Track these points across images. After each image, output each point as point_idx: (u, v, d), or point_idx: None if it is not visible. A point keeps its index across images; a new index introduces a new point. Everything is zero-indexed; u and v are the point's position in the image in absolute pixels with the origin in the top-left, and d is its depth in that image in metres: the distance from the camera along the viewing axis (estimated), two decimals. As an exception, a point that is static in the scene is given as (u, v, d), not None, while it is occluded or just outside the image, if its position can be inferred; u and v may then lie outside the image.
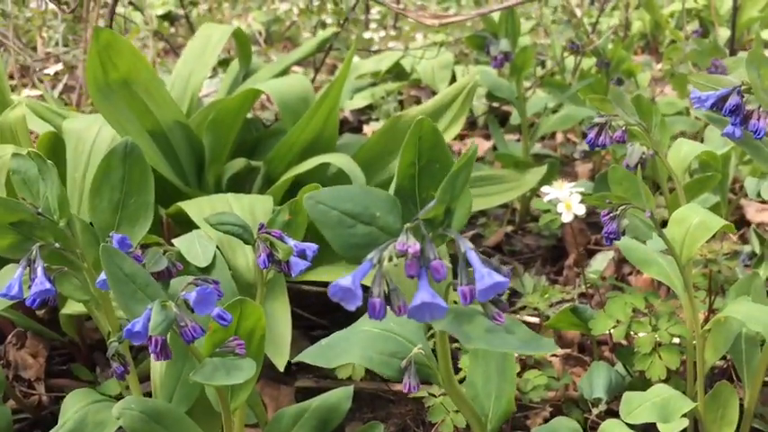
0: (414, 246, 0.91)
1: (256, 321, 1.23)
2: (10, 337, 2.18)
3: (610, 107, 1.54)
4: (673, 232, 1.44)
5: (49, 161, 1.30)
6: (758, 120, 1.30)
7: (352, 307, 0.90)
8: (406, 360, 1.14)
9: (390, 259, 0.92)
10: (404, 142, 1.00)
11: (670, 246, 1.42)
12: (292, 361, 2.22)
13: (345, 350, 1.15)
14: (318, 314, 2.39)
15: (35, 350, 2.20)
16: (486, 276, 0.89)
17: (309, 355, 1.18)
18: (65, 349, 2.29)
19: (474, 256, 0.92)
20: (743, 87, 1.31)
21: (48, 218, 1.29)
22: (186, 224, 1.96)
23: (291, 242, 1.36)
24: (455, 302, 1.03)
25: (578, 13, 3.73)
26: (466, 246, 0.93)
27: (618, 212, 1.35)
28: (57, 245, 1.30)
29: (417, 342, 1.16)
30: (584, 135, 3.33)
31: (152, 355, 1.07)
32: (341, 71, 2.18)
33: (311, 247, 1.38)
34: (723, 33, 4.27)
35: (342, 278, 0.89)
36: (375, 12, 5.34)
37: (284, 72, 2.58)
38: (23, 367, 2.16)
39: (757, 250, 2.08)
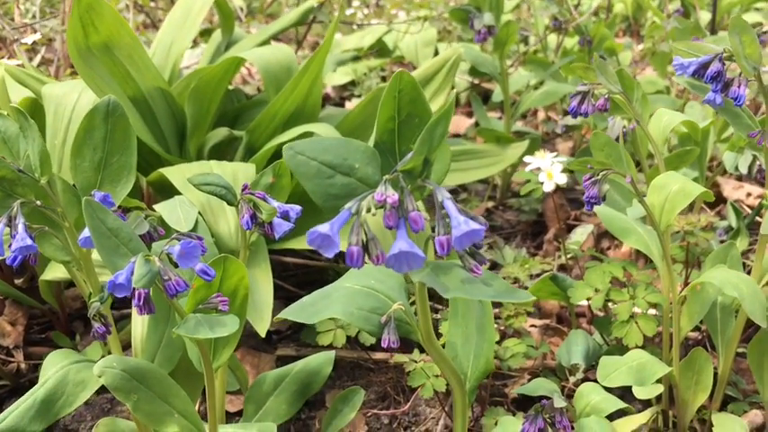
0: (392, 196, 0.92)
1: (240, 280, 1.24)
2: (-12, 304, 2.17)
3: (593, 76, 1.55)
4: (652, 199, 1.45)
5: (30, 118, 1.29)
6: (739, 87, 1.31)
7: (329, 254, 0.90)
8: (385, 315, 1.15)
9: (369, 210, 0.93)
10: (383, 96, 1.00)
11: (649, 212, 1.44)
12: (272, 330, 2.23)
13: (326, 306, 1.16)
14: (299, 286, 2.40)
15: (14, 318, 2.19)
16: (463, 224, 0.90)
17: (291, 312, 1.19)
18: (44, 318, 2.28)
19: (451, 205, 0.92)
20: (724, 54, 1.33)
21: (29, 175, 1.28)
22: (167, 193, 1.95)
23: (275, 203, 1.36)
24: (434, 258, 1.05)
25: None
26: (443, 195, 0.93)
27: (599, 177, 1.37)
28: (38, 202, 1.29)
29: (398, 298, 1.17)
30: (566, 112, 3.36)
31: (135, 309, 1.07)
32: (325, 40, 2.17)
33: (295, 209, 1.38)
34: (704, 17, 4.30)
35: (320, 225, 0.89)
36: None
37: (267, 42, 2.57)
38: (1, 335, 2.14)
39: (734, 224, 2.11)
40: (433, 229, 0.96)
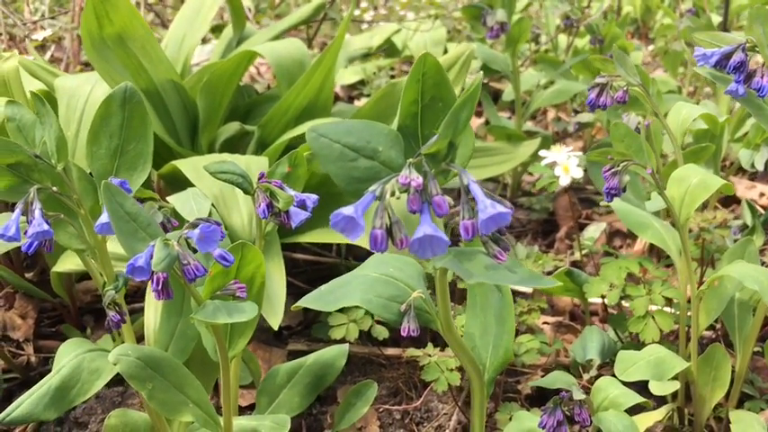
0: (416, 179, 0.90)
1: (257, 267, 1.23)
2: (-2, 297, 2.16)
3: (612, 67, 1.54)
4: (672, 192, 1.44)
5: (47, 104, 1.28)
6: (762, 77, 1.30)
7: (354, 237, 0.89)
8: (405, 304, 1.13)
9: (393, 193, 0.92)
10: (407, 80, 0.99)
11: (669, 204, 1.42)
12: (282, 325, 2.22)
13: (345, 294, 1.14)
14: (309, 282, 2.38)
15: (24, 311, 2.18)
16: (490, 207, 0.89)
17: (309, 301, 1.18)
18: (54, 311, 2.27)
19: (477, 189, 0.91)
20: (747, 45, 1.32)
21: (45, 161, 1.27)
22: (178, 186, 1.94)
23: (291, 192, 1.35)
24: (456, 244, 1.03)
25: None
26: (469, 178, 0.92)
27: (620, 168, 1.36)
28: (54, 189, 1.28)
29: (417, 287, 1.16)
30: (577, 111, 3.34)
31: (152, 294, 1.06)
32: (338, 34, 2.17)
33: (311, 198, 1.37)
34: (714, 19, 4.30)
35: (344, 207, 0.88)
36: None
37: (279, 37, 2.56)
38: (12, 328, 2.14)
39: (749, 222, 2.09)
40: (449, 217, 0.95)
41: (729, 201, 2.77)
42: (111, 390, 1.94)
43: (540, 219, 2.84)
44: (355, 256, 2.44)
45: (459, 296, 2.04)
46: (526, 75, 3.29)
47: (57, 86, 2.01)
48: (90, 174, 1.39)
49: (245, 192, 1.36)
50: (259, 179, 1.37)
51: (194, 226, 1.09)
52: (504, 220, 0.89)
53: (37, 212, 1.21)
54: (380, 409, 1.88)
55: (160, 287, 1.04)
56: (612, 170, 1.36)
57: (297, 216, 1.35)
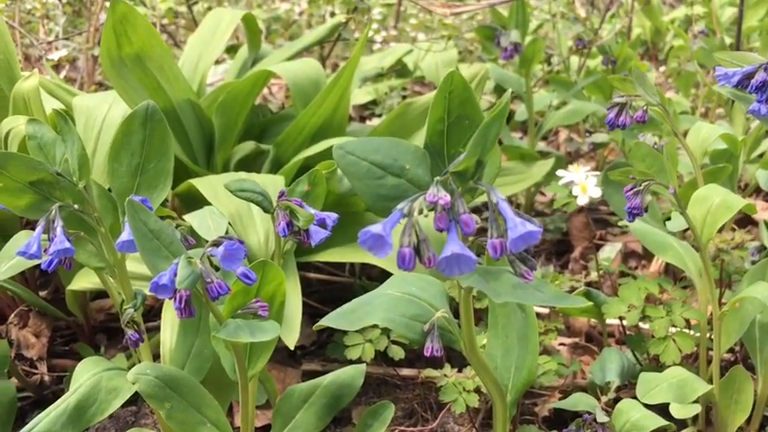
0: (444, 197, 0.90)
1: (278, 286, 1.22)
2: (12, 316, 2.16)
3: (630, 87, 1.53)
4: (694, 211, 1.43)
5: (70, 122, 1.28)
6: (783, 97, 1.30)
7: (382, 255, 0.88)
8: (428, 323, 1.12)
9: (420, 211, 0.91)
10: (434, 97, 0.99)
11: (691, 224, 1.41)
12: (297, 345, 2.21)
13: (368, 313, 1.13)
14: (322, 302, 2.37)
15: (38, 330, 2.17)
16: (520, 225, 0.88)
17: (331, 319, 1.17)
18: (68, 330, 2.27)
19: (506, 207, 0.91)
20: (769, 64, 1.31)
21: (67, 178, 1.27)
22: (194, 205, 1.94)
23: (312, 210, 1.35)
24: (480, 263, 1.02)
25: (582, 13, 3.74)
26: (498, 196, 0.92)
27: (641, 188, 1.35)
28: (75, 206, 1.28)
29: (440, 307, 1.15)
30: (589, 132, 3.34)
31: (176, 312, 1.05)
32: (354, 53, 2.17)
33: (331, 217, 1.36)
34: (726, 41, 4.30)
35: (372, 225, 0.87)
36: (376, 12, 5.33)
37: (294, 58, 2.57)
38: (26, 346, 2.13)
39: (767, 243, 2.08)
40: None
41: (745, 222, 2.75)
42: (124, 409, 1.92)
43: (553, 239, 2.82)
44: (368, 276, 2.43)
45: (475, 316, 2.02)
46: (538, 95, 3.30)
47: (74, 105, 2.02)
48: (110, 191, 1.39)
49: (265, 210, 1.36)
50: (279, 197, 1.36)
51: (217, 244, 1.09)
52: (534, 238, 0.89)
53: (59, 230, 1.21)
54: (396, 431, 1.86)
55: (183, 305, 1.04)
56: (635, 189, 1.35)
57: (317, 234, 1.35)
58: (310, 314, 2.36)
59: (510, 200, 3.08)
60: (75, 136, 1.27)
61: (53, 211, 1.23)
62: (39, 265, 1.30)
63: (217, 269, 1.10)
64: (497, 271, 0.99)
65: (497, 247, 0.91)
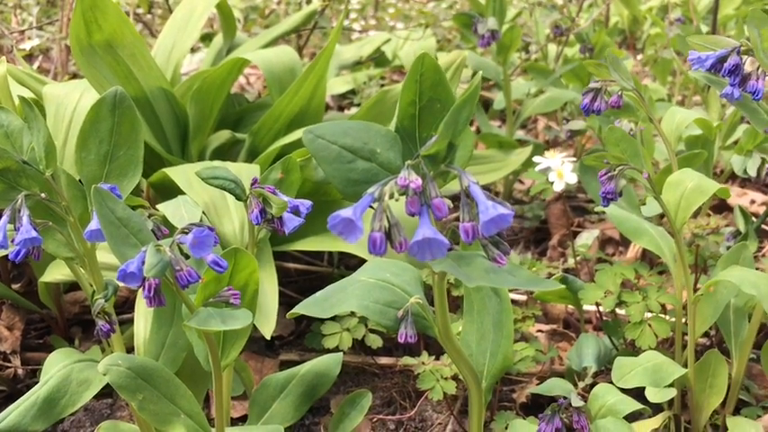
0: (415, 181, 0.89)
1: (250, 274, 1.20)
2: (-16, 309, 2.13)
3: (605, 73, 1.53)
4: (668, 196, 1.43)
5: (36, 109, 1.26)
6: (757, 81, 1.30)
7: (352, 240, 0.87)
8: (402, 310, 1.12)
9: (391, 195, 0.90)
10: (405, 80, 0.97)
11: (665, 209, 1.41)
12: (274, 335, 2.19)
13: (341, 300, 1.12)
14: (300, 292, 2.36)
15: (11, 323, 2.14)
16: (491, 208, 0.87)
17: (305, 307, 1.16)
18: (42, 322, 2.23)
19: (478, 190, 0.90)
20: (742, 48, 1.31)
21: (33, 167, 1.24)
22: (168, 195, 1.92)
23: (285, 198, 1.33)
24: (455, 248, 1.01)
25: (559, 0, 3.74)
26: (469, 180, 0.91)
27: (616, 172, 1.35)
28: (42, 195, 1.25)
29: (414, 293, 1.14)
30: (567, 120, 3.34)
31: (144, 301, 1.03)
32: (330, 40, 2.15)
33: (305, 204, 1.35)
34: (702, 29, 4.32)
35: (342, 209, 0.86)
36: (355, 1, 5.31)
37: (269, 46, 2.55)
38: (-2, 340, 2.10)
39: (742, 228, 2.09)
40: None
41: (721, 208, 2.77)
42: (99, 401, 1.90)
43: (531, 227, 2.83)
44: (347, 265, 2.42)
45: (453, 303, 2.02)
46: (516, 83, 3.29)
47: (45, 94, 1.99)
48: (79, 180, 1.36)
49: (238, 198, 1.34)
50: (252, 185, 1.34)
51: (187, 231, 1.07)
52: (506, 221, 0.88)
53: (25, 219, 1.19)
54: (374, 420, 1.86)
55: (152, 294, 1.02)
56: (608, 174, 1.35)
57: (290, 222, 1.33)
58: (288, 304, 2.32)
59: (488, 188, 3.08)
60: (41, 124, 1.25)
61: (19, 200, 1.20)
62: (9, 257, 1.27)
63: (187, 257, 1.08)
64: (470, 255, 0.99)
65: (469, 231, 0.90)
